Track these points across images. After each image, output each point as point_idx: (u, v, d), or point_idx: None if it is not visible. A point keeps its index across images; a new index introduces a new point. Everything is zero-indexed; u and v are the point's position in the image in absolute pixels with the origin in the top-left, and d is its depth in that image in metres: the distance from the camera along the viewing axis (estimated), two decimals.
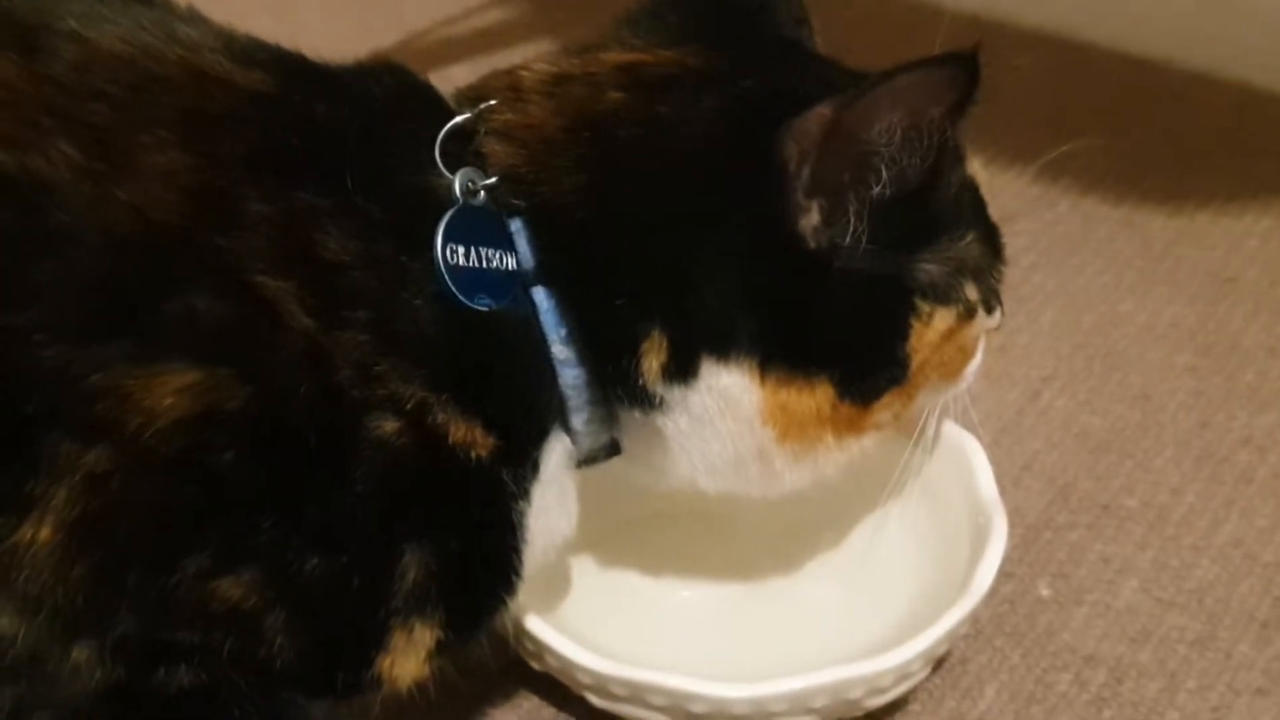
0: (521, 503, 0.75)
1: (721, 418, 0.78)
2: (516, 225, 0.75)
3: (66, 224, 0.63)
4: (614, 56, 0.80)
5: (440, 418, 0.71)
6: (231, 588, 0.67)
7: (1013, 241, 1.39)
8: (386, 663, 0.73)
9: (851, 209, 0.74)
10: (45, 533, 0.63)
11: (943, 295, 0.80)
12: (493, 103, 0.77)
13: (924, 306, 0.79)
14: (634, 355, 0.76)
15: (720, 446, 0.79)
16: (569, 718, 0.94)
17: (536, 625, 0.89)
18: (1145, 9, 1.71)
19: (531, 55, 0.84)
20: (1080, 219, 1.44)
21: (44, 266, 0.63)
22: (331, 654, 0.72)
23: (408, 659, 0.74)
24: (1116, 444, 1.16)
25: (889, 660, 0.86)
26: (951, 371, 0.86)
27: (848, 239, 0.75)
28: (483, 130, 0.76)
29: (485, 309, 0.72)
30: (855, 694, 0.86)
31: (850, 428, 0.80)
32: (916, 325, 0.79)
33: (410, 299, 0.71)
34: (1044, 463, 1.14)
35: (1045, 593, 1.03)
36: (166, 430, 0.64)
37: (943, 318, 0.80)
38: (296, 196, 0.69)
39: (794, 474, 0.82)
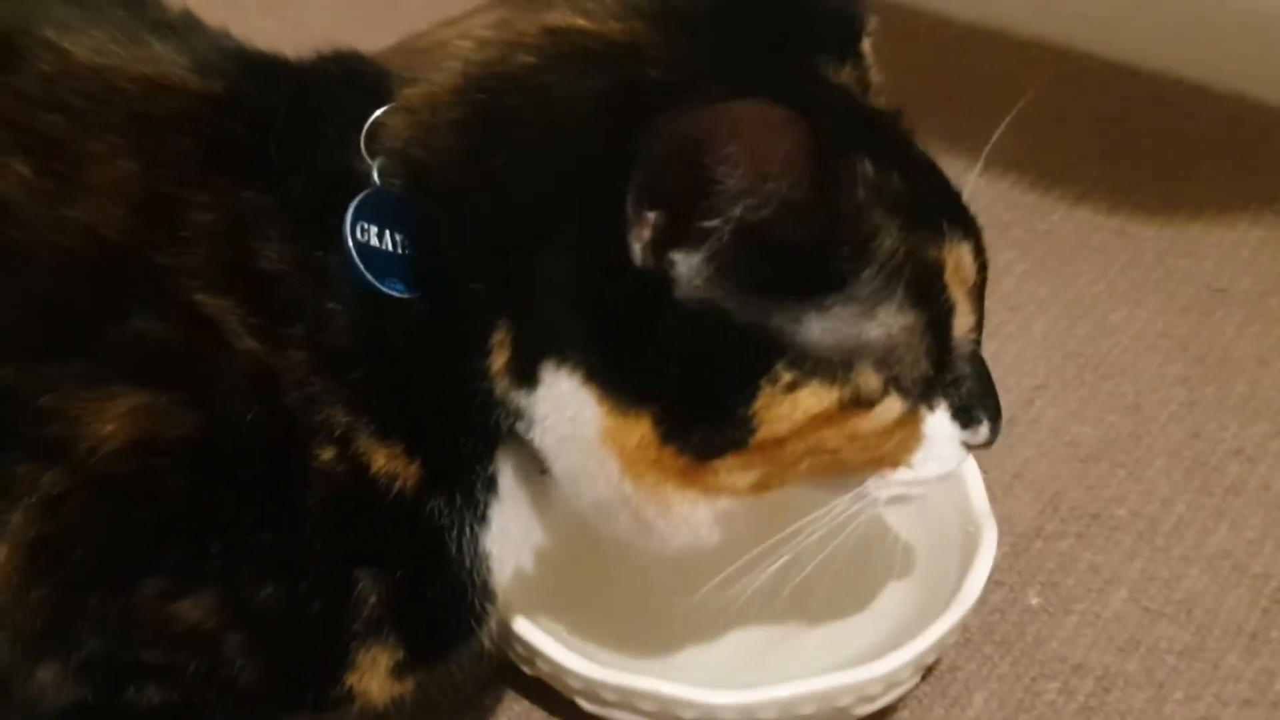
0: (469, 529, 0.72)
1: (570, 435, 0.70)
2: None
3: (19, 243, 0.64)
4: (552, 19, 0.73)
5: (362, 445, 0.68)
6: (191, 610, 0.67)
7: (1005, 250, 1.42)
8: (354, 679, 0.73)
9: (700, 237, 0.65)
10: (2, 554, 0.64)
11: (820, 368, 0.68)
12: (416, 85, 0.72)
13: (785, 373, 0.68)
14: (485, 352, 0.69)
15: (580, 474, 0.72)
16: None
17: (527, 630, 0.89)
18: (1141, 20, 1.71)
19: None
20: (1073, 228, 1.44)
21: None
22: (295, 673, 0.72)
23: (375, 677, 0.73)
24: (1107, 454, 1.16)
25: (878, 668, 0.86)
26: (855, 463, 0.74)
27: (686, 267, 0.66)
28: (392, 116, 0.71)
29: (399, 296, 0.68)
30: (844, 701, 0.87)
31: (691, 482, 0.71)
32: (767, 389, 0.68)
33: (332, 303, 0.68)
34: (1034, 472, 1.14)
35: (1034, 601, 1.03)
36: (114, 455, 0.64)
37: (814, 395, 0.69)
38: (243, 197, 0.67)
39: (665, 526, 0.73)
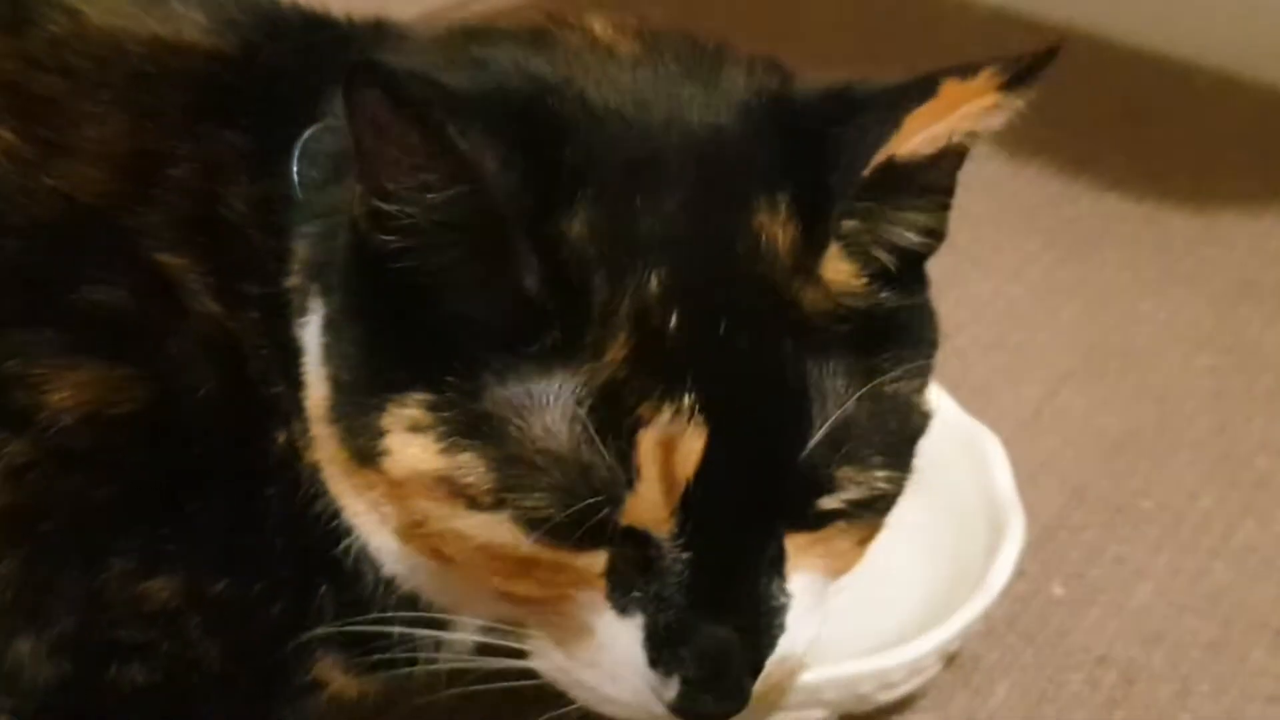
0: (358, 543, 0.66)
1: None
2: None
3: None
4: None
5: (295, 422, 0.65)
6: (159, 589, 0.66)
7: (1032, 237, 1.40)
8: (317, 671, 0.71)
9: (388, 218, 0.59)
10: None
11: (442, 426, 0.59)
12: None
13: (415, 408, 0.60)
14: None
15: None
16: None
17: None
18: (1172, 9, 1.70)
19: None
20: (1101, 216, 1.43)
21: None
22: (254, 664, 0.70)
23: (336, 674, 0.71)
24: (1133, 445, 1.15)
25: (901, 655, 0.86)
26: (476, 578, 0.63)
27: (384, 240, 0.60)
28: None
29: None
30: (866, 688, 0.86)
31: (357, 482, 0.64)
32: (395, 411, 0.60)
33: (276, 243, 0.65)
34: (1060, 462, 1.13)
35: (1059, 592, 1.02)
36: (71, 428, 0.63)
37: (423, 450, 0.60)
38: (224, 138, 0.66)
39: (360, 523, 0.66)
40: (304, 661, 0.71)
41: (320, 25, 0.73)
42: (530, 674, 0.67)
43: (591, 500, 0.58)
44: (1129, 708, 0.94)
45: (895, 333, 0.63)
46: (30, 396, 0.63)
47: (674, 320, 0.58)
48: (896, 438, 0.62)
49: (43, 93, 0.66)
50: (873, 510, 0.64)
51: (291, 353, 0.65)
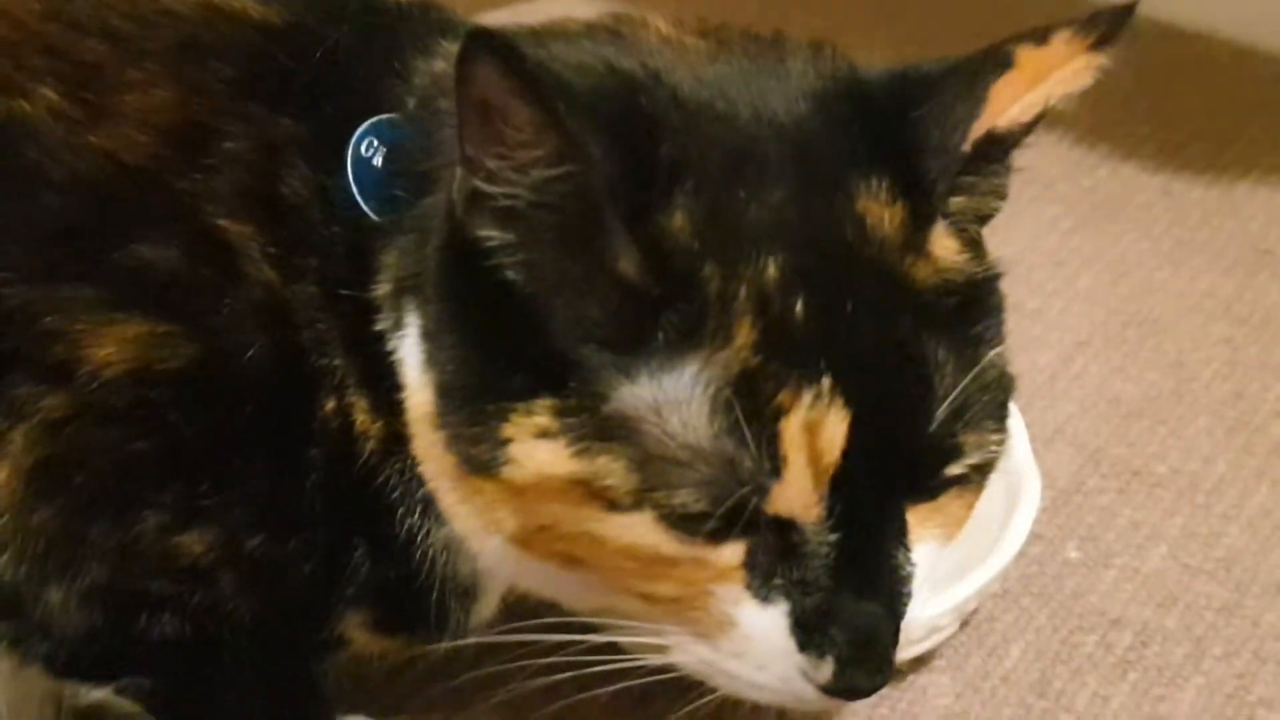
0: (418, 519, 0.68)
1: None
2: None
3: (38, 165, 0.64)
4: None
5: (351, 396, 0.66)
6: (193, 544, 0.67)
7: (1050, 206, 1.40)
8: (341, 629, 0.73)
9: (494, 207, 0.60)
10: (3, 475, 0.64)
11: (577, 430, 0.59)
12: None
13: (542, 414, 0.60)
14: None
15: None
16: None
17: None
18: None
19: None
20: (1119, 185, 1.43)
21: (12, 207, 0.64)
22: (283, 619, 0.72)
23: (361, 632, 0.73)
24: (1149, 411, 1.16)
25: (919, 613, 0.86)
26: (611, 580, 0.63)
27: (490, 237, 0.61)
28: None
29: (373, 218, 0.66)
30: None
31: (463, 491, 0.64)
32: (518, 420, 0.60)
33: (336, 228, 0.66)
34: (1076, 427, 1.14)
35: (1074, 555, 1.03)
36: (114, 383, 0.64)
37: (553, 454, 0.60)
38: (279, 123, 0.67)
39: (463, 528, 0.67)
40: (332, 618, 0.72)
41: (376, 9, 0.73)
42: (631, 673, 0.68)
43: (740, 493, 0.58)
44: (1142, 670, 0.95)
45: (986, 300, 0.65)
46: (70, 351, 0.63)
47: (799, 304, 0.59)
48: (1002, 399, 0.65)
49: (86, 58, 0.66)
50: (984, 473, 0.65)
51: (369, 349, 0.65)
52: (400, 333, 0.65)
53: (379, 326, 0.66)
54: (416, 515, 0.68)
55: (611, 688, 0.72)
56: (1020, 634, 0.97)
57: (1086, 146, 1.47)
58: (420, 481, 0.67)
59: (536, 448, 0.60)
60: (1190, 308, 1.28)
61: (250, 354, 0.64)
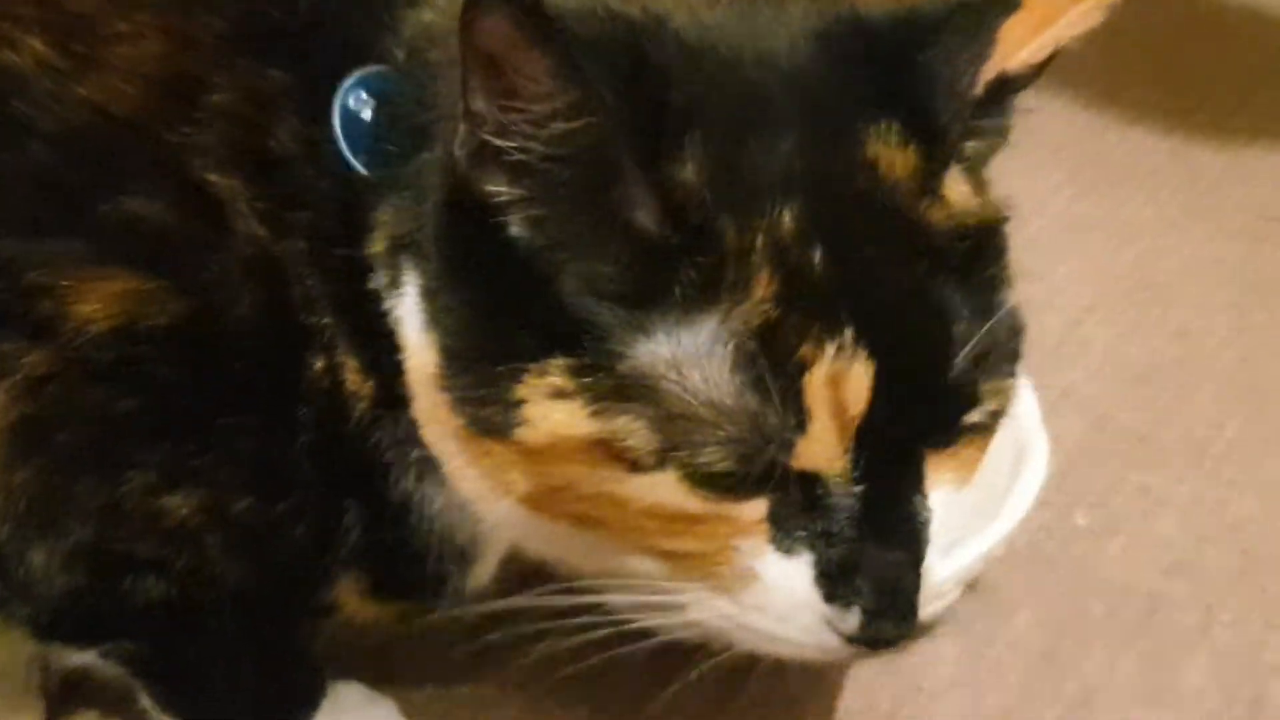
0: (412, 481, 0.67)
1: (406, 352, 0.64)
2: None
3: (22, 116, 0.62)
4: None
5: (340, 355, 0.65)
6: (179, 505, 0.65)
7: (1058, 170, 1.39)
8: (335, 594, 0.72)
9: (503, 161, 0.58)
10: None
11: (592, 391, 0.58)
12: None
13: (556, 375, 0.58)
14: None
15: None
16: None
17: None
18: None
19: None
20: (1126, 151, 1.41)
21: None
22: (274, 583, 0.70)
23: (353, 597, 0.72)
24: (1156, 377, 1.15)
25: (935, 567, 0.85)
26: (632, 540, 0.62)
27: (499, 193, 0.59)
28: None
29: (364, 174, 0.64)
30: None
31: (471, 453, 0.62)
32: (532, 382, 0.59)
33: (325, 183, 0.64)
34: (1082, 392, 1.13)
35: (1081, 522, 1.02)
36: (98, 339, 0.62)
37: (569, 414, 0.58)
38: (267, 75, 0.65)
39: (467, 491, 0.65)
40: (324, 583, 0.71)
41: None
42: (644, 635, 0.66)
43: (765, 448, 0.57)
44: (1150, 637, 0.94)
45: (996, 243, 0.64)
46: (55, 307, 0.62)
47: (817, 255, 0.57)
48: (1014, 345, 0.63)
49: (74, 8, 0.65)
50: (999, 418, 0.64)
51: (360, 307, 0.64)
52: (397, 292, 0.63)
53: (372, 285, 0.64)
54: (411, 478, 0.67)
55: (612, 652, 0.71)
56: (1027, 600, 0.96)
57: (1095, 111, 1.45)
58: (415, 443, 0.65)
59: (552, 408, 0.58)
60: (1198, 273, 1.27)
61: (239, 310, 0.63)
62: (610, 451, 0.58)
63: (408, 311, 0.63)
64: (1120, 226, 1.31)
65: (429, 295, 0.62)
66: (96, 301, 0.62)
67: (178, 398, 0.64)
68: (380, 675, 0.88)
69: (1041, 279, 1.23)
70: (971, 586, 0.94)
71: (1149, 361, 1.16)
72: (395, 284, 0.63)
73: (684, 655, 0.90)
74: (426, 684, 0.89)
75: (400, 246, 0.63)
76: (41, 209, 0.63)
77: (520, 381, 0.58)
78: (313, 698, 0.79)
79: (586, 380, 0.58)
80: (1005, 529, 0.88)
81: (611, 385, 0.57)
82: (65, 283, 0.62)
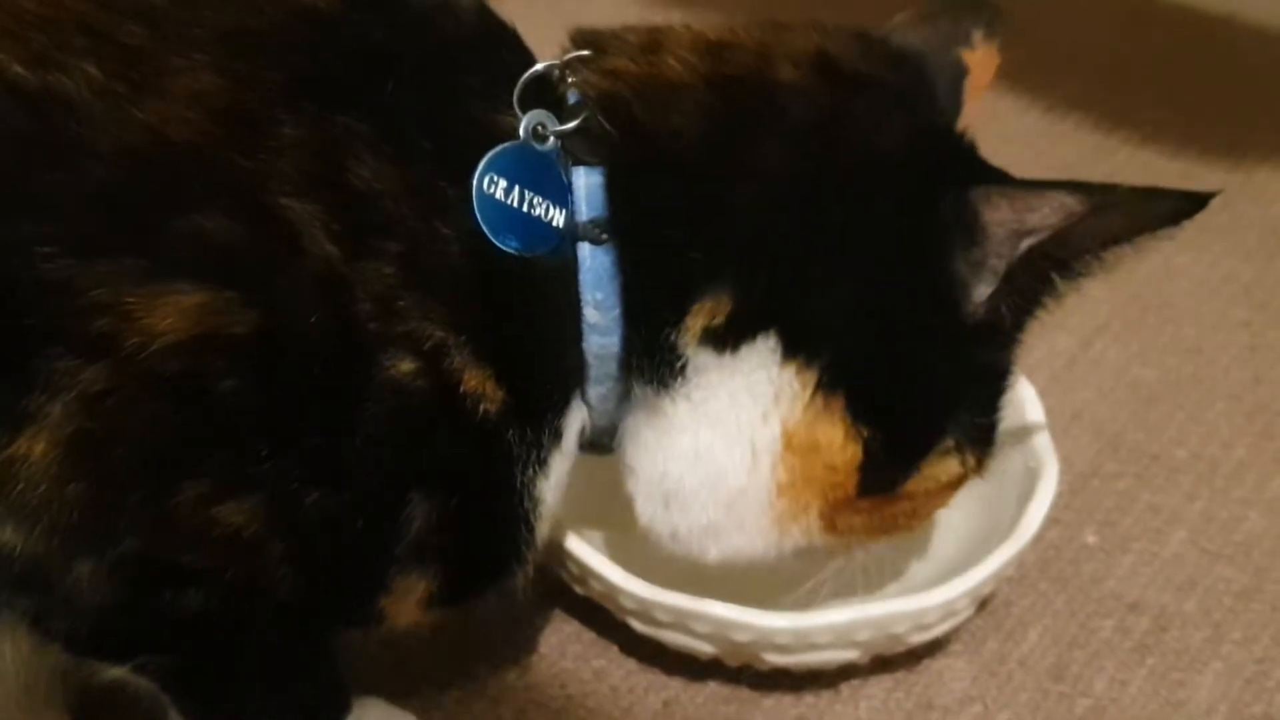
0: (532, 470, 0.72)
1: (731, 414, 0.74)
2: (584, 175, 0.71)
3: (80, 137, 0.63)
4: (811, 39, 0.77)
5: (455, 362, 0.68)
6: (233, 514, 0.66)
7: None
8: (387, 603, 0.73)
9: (1012, 304, 0.73)
10: (40, 448, 0.63)
11: (964, 441, 0.77)
12: (589, 54, 0.74)
13: (950, 438, 0.77)
14: (681, 311, 0.72)
15: (703, 457, 0.75)
16: (610, 643, 0.95)
17: (581, 550, 0.89)
18: None
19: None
20: (1137, 170, 1.42)
21: (53, 178, 0.62)
22: (333, 589, 0.71)
23: (407, 604, 0.73)
24: (1168, 396, 1.15)
25: (935, 597, 0.86)
26: (904, 524, 0.82)
27: (984, 333, 0.73)
28: (574, 77, 0.73)
29: (512, 252, 0.69)
30: (900, 629, 0.86)
31: (833, 514, 0.77)
32: (939, 446, 0.77)
33: (442, 231, 0.68)
34: (1094, 412, 1.13)
35: (1091, 540, 1.02)
36: (164, 352, 0.63)
37: (955, 464, 0.78)
38: (334, 120, 0.67)
39: (753, 539, 0.78)
40: (378, 586, 0.72)
41: (420, 15, 0.73)
42: None
43: None
44: (1160, 655, 0.94)
45: None
46: (115, 324, 0.63)
47: None
48: None
49: (127, 41, 0.66)
50: None
51: (500, 333, 0.69)
52: (719, 355, 0.73)
53: (678, 354, 0.72)
54: (530, 472, 0.72)
55: None
56: (1038, 618, 0.97)
57: (1105, 132, 1.46)
58: (545, 446, 0.72)
59: (945, 467, 0.78)
60: (1209, 292, 1.27)
61: (308, 321, 0.65)
62: (954, 477, 0.79)
63: (744, 385, 0.73)
64: None
65: (852, 396, 0.73)
66: (164, 316, 0.63)
67: (241, 405, 0.65)
68: (398, 691, 0.89)
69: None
70: (983, 605, 0.95)
71: (1161, 379, 1.17)
72: (723, 351, 0.73)
73: (701, 670, 0.91)
74: (445, 697, 0.91)
75: (747, 333, 0.72)
76: (101, 228, 0.63)
77: (924, 458, 0.77)
78: (338, 713, 0.80)
79: (960, 435, 0.77)
80: (1016, 548, 0.89)
81: (965, 430, 0.77)
82: (130, 299, 0.63)
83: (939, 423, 0.76)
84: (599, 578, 0.88)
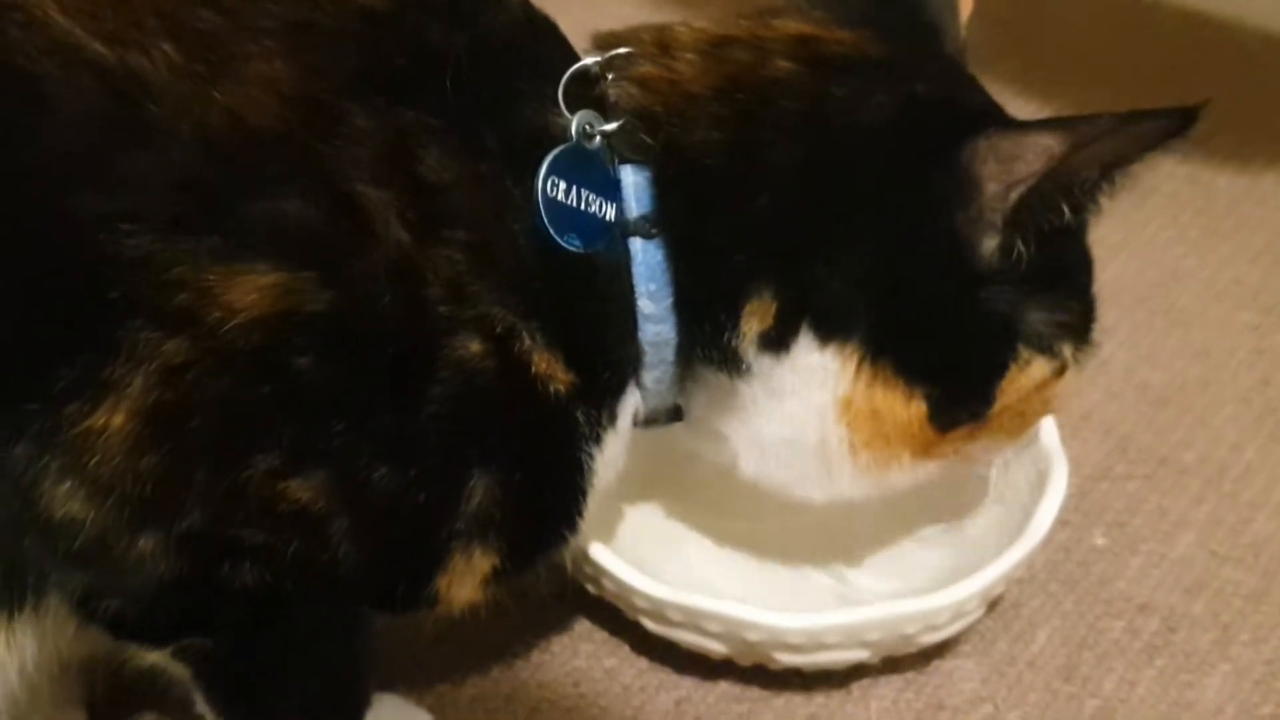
0: (592, 446, 0.75)
1: (796, 398, 0.77)
2: (632, 173, 0.74)
3: (160, 118, 0.64)
4: (790, 26, 0.80)
5: (526, 345, 0.70)
6: (300, 489, 0.67)
7: None
8: (444, 582, 0.73)
9: (1026, 241, 0.74)
10: (119, 419, 0.64)
11: (1044, 346, 0.80)
12: (625, 51, 0.76)
13: (1024, 352, 0.79)
14: (735, 314, 0.75)
15: (783, 429, 0.79)
16: (622, 642, 0.95)
17: (595, 550, 0.89)
18: None
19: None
20: (1145, 174, 1.42)
21: (135, 157, 0.64)
22: (392, 566, 0.73)
23: (464, 582, 0.74)
24: (1176, 398, 1.16)
25: (945, 597, 0.86)
26: (1023, 424, 0.85)
27: (1008, 269, 0.75)
28: (613, 77, 0.75)
29: (573, 249, 0.71)
30: (910, 629, 0.87)
31: (925, 453, 0.80)
32: (1013, 368, 0.79)
33: (510, 225, 0.70)
34: (1103, 414, 1.14)
35: (1100, 541, 1.03)
36: (245, 327, 0.64)
37: (1039, 368, 0.80)
38: (403, 114, 0.68)
39: (851, 484, 0.81)
40: (437, 565, 0.73)
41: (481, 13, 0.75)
42: None
43: None
44: (1169, 656, 0.95)
45: None
46: (196, 299, 0.64)
47: None
48: None
49: (200, 25, 0.67)
50: None
51: (570, 319, 0.72)
52: (777, 358, 0.76)
53: (742, 355, 0.76)
54: (592, 444, 0.75)
55: None
56: (1047, 620, 0.97)
57: None
58: (606, 425, 0.76)
59: (1025, 375, 0.80)
60: (1217, 296, 1.28)
61: (381, 302, 0.67)
62: (1056, 372, 0.82)
63: (803, 377, 0.77)
64: (1140, 249, 1.32)
65: (899, 364, 0.76)
66: (246, 292, 0.64)
67: (315, 381, 0.66)
68: (414, 686, 0.90)
69: None
70: (993, 606, 0.96)
71: (1169, 383, 1.17)
72: (779, 354, 0.76)
73: (713, 669, 0.92)
74: (460, 695, 0.91)
75: (793, 326, 0.75)
76: (181, 206, 0.64)
77: (1002, 379, 0.79)
78: (360, 709, 0.81)
79: (1037, 345, 0.79)
80: (1025, 549, 0.89)
81: (1046, 336, 0.80)
82: (210, 276, 0.64)
83: (998, 354, 0.79)
84: (613, 578, 0.89)
